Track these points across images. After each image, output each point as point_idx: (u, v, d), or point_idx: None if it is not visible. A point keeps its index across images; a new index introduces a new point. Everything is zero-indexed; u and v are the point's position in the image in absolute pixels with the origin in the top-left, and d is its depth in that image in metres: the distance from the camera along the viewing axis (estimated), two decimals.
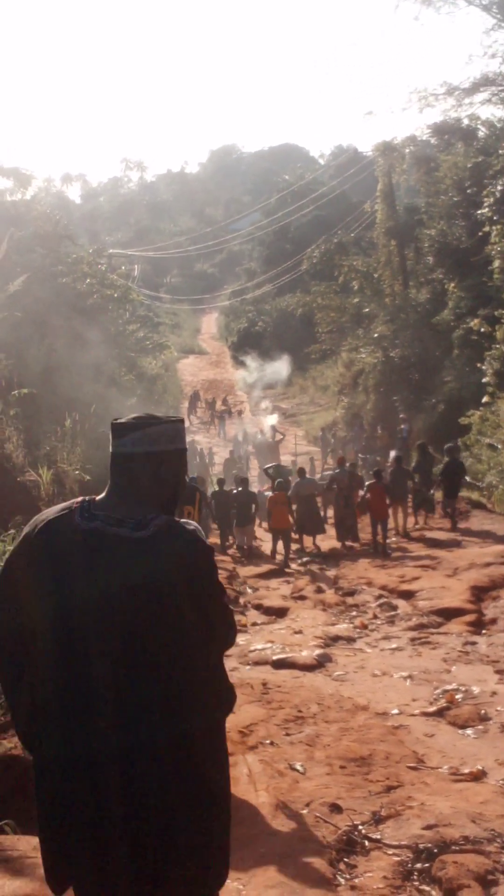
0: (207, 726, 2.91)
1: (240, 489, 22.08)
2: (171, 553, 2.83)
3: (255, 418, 47.40)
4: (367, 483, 21.26)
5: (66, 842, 2.81)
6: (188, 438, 40.92)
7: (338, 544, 21.06)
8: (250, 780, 6.77)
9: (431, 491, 21.77)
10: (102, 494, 3.02)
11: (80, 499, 3.00)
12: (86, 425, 23.80)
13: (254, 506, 21.82)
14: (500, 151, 33.19)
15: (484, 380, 26.98)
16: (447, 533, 20.15)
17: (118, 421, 3.09)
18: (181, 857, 2.78)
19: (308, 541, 21.32)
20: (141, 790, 2.73)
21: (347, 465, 23.29)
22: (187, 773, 2.80)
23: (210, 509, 21.33)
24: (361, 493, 20.97)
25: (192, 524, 2.99)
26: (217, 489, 22.76)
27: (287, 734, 7.65)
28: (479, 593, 14.34)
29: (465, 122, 40.01)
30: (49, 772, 2.83)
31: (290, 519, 20.47)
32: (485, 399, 26.34)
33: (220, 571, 13.29)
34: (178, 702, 2.79)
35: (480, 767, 7.03)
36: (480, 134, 40.33)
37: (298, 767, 7.01)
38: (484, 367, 27.26)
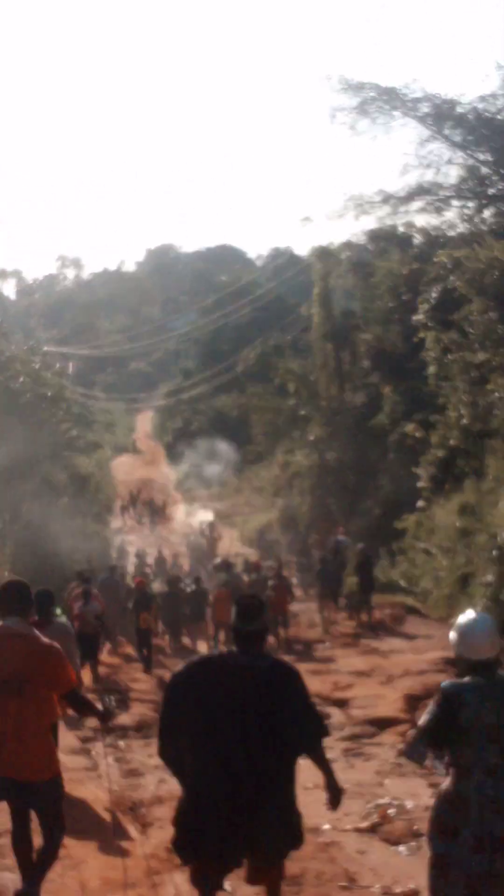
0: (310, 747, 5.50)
1: (194, 588, 22.61)
2: (282, 673, 5.48)
3: (187, 519, 47.30)
4: (269, 583, 21.61)
5: (213, 828, 5.19)
6: (121, 538, 40.66)
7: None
8: None
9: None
10: (234, 648, 5.58)
11: (226, 650, 6.04)
12: (16, 526, 23.53)
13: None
14: (435, 259, 33.86)
15: (419, 484, 27.21)
16: (380, 637, 20.08)
17: (251, 613, 5.61)
18: (272, 833, 5.29)
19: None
20: (258, 799, 5.17)
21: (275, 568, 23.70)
22: (282, 791, 5.34)
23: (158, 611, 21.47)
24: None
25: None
26: (168, 590, 22.78)
27: None
28: (414, 702, 14.21)
29: (401, 229, 40.90)
30: (205, 792, 5.23)
31: None
32: (420, 503, 26.54)
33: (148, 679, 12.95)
34: (283, 757, 5.33)
35: (413, 887, 6.91)
36: (416, 241, 41.19)
37: (227, 888, 6.74)
38: (419, 472, 27.50)
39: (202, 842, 5.28)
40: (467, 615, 5.02)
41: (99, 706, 6.70)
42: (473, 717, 4.66)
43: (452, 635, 4.99)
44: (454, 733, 4.71)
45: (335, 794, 5.58)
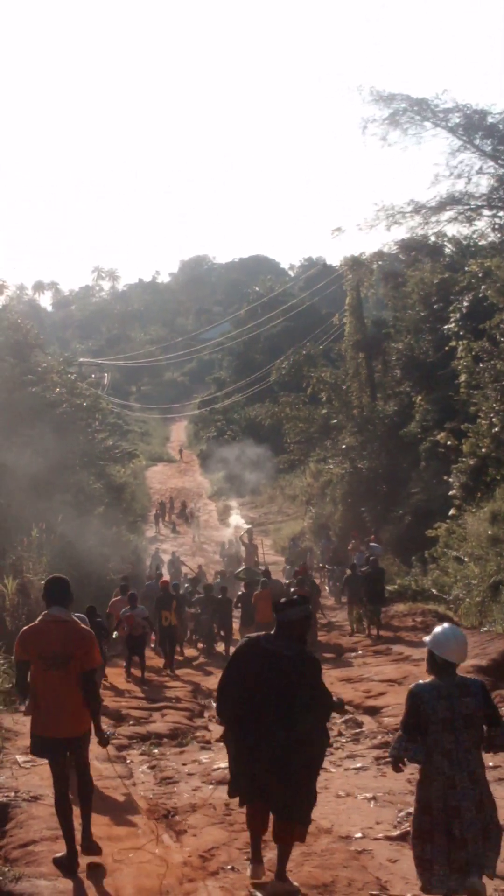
0: (317, 723, 6.97)
1: (242, 592, 23.01)
2: (304, 659, 6.95)
3: (221, 527, 47.36)
4: (293, 588, 21.68)
5: (256, 772, 6.81)
6: (156, 547, 40.81)
7: None
8: None
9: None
10: (272, 632, 7.09)
11: (263, 633, 7.29)
12: (52, 535, 23.68)
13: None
14: (466, 268, 33.84)
15: (451, 492, 27.18)
16: (411, 647, 19.98)
17: (284, 602, 7.28)
18: (302, 772, 6.82)
19: None
20: (289, 746, 6.68)
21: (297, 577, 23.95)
22: (306, 738, 6.77)
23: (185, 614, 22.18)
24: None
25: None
26: (220, 595, 22.94)
27: (249, 858, 7.43)
28: None
29: (432, 239, 40.88)
30: (247, 740, 6.85)
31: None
32: (451, 511, 26.50)
33: (182, 686, 13.08)
34: (303, 711, 6.76)
35: None
36: (447, 251, 41.19)
37: (259, 895, 6.85)
38: (451, 480, 27.47)
39: (249, 781, 6.91)
40: (448, 625, 6.47)
41: (103, 727, 7.75)
42: (430, 711, 6.06)
43: (428, 638, 6.35)
44: (420, 724, 6.10)
45: None
